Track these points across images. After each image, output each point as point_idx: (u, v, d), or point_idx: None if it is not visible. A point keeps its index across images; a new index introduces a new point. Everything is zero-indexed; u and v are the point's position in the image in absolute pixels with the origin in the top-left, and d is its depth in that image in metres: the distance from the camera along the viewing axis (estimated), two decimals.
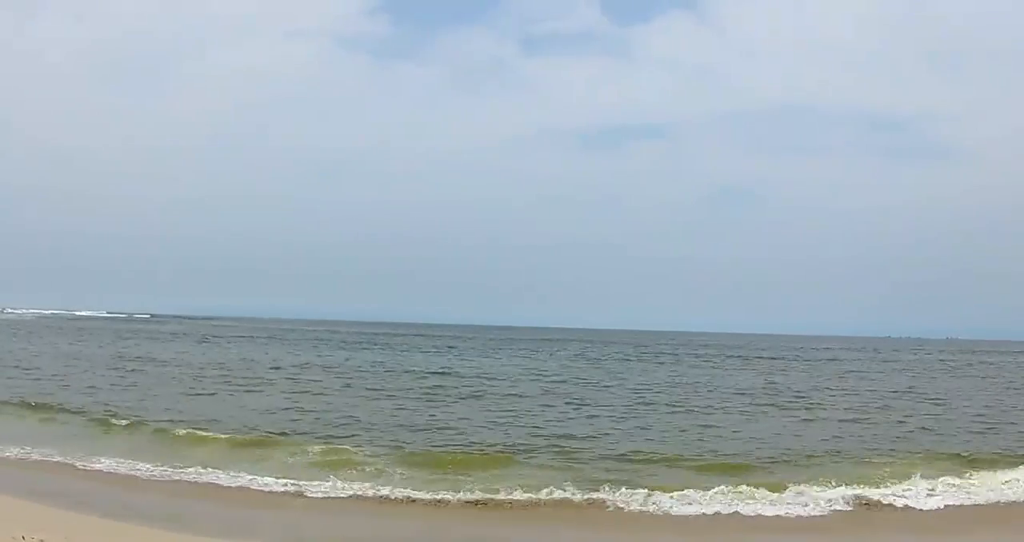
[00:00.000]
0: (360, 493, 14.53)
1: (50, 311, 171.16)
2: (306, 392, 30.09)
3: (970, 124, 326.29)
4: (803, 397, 33.25)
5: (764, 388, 37.23)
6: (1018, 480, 15.83)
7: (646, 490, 14.41)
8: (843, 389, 37.88)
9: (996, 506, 14.60)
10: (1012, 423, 25.88)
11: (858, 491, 14.78)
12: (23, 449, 17.36)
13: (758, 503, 14.14)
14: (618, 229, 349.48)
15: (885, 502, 14.40)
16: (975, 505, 14.54)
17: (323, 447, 18.49)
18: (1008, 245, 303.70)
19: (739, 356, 71.72)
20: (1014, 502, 14.81)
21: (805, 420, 25.84)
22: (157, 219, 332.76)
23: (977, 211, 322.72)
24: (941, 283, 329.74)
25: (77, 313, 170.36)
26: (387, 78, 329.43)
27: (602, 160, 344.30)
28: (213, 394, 29.14)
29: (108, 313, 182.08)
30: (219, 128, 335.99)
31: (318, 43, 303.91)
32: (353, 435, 20.59)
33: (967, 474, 16.35)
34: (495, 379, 38.78)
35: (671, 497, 14.19)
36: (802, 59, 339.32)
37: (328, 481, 15.13)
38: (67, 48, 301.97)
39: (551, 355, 65.79)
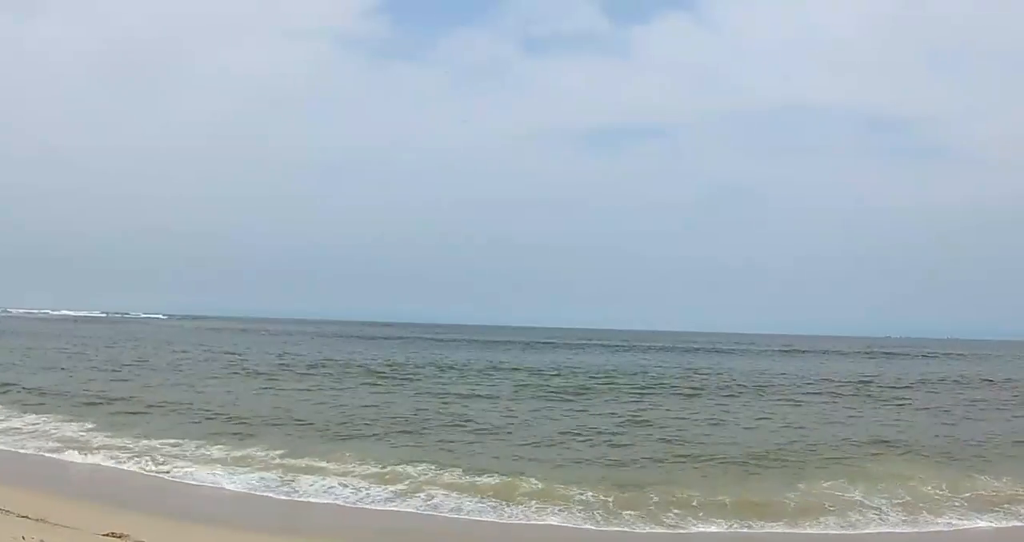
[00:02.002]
0: None
1: (22, 310, 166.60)
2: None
3: (970, 124, 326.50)
4: None
5: None
6: None
7: None
8: None
9: None
10: None
11: None
12: None
13: None
14: (619, 228, 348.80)
15: None
16: None
17: None
18: (1011, 244, 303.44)
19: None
20: None
21: None
22: (160, 219, 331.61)
23: (977, 211, 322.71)
24: (943, 283, 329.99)
25: (50, 312, 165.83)
26: (388, 78, 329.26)
27: (603, 160, 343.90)
28: None
29: (101, 313, 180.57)
30: (219, 128, 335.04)
31: (318, 43, 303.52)
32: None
33: None
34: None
35: None
36: (801, 60, 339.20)
37: None
38: (68, 49, 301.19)
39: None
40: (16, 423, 19.51)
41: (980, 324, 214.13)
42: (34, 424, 19.36)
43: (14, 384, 26.88)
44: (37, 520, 9.94)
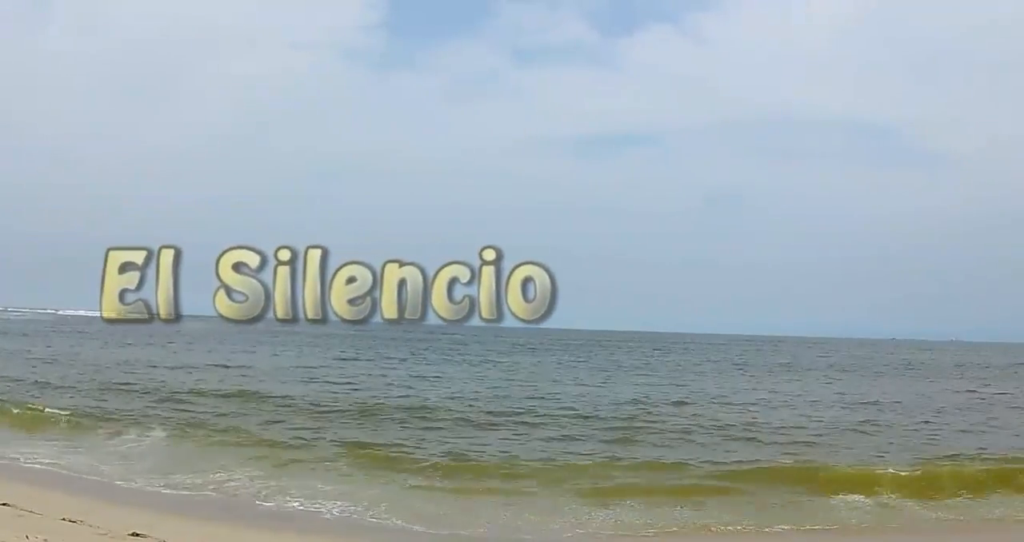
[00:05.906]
0: None
1: None
2: None
3: (962, 132, 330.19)
4: None
5: None
6: None
7: None
8: None
9: None
10: None
11: None
12: None
13: None
14: (614, 234, 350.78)
15: None
16: None
17: None
18: (1010, 246, 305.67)
19: None
20: None
21: None
22: (162, 221, 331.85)
23: (975, 215, 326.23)
24: (945, 286, 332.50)
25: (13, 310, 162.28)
26: (386, 87, 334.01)
27: (595, 167, 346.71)
28: None
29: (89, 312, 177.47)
30: (222, 130, 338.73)
31: (319, 54, 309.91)
32: None
33: None
34: None
35: None
36: (788, 70, 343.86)
37: None
38: (77, 58, 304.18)
39: None
40: None
41: (985, 327, 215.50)
42: None
43: None
44: None
